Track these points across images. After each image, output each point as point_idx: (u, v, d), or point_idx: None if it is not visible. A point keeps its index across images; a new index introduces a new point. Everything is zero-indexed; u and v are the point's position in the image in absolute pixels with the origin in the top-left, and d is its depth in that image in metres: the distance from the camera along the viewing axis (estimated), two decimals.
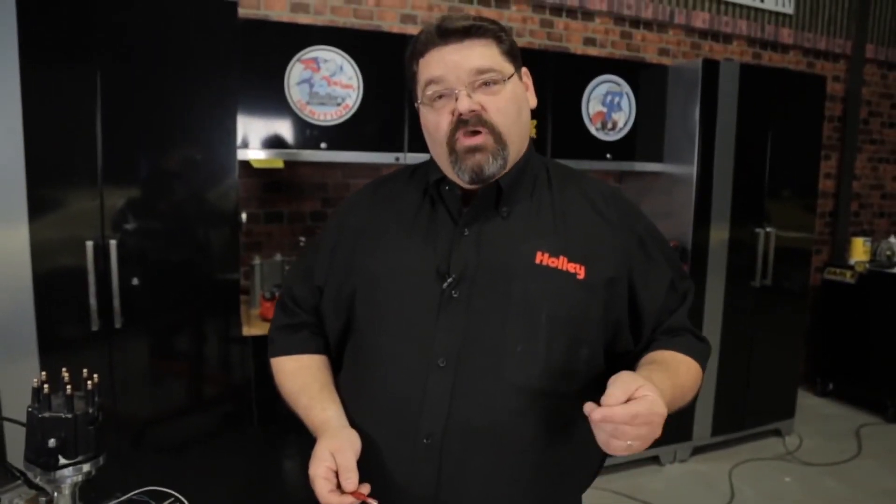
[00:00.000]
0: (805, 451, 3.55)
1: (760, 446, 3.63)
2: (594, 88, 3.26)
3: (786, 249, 3.55)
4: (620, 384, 0.86)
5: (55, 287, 2.15)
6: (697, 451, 3.50)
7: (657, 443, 3.21)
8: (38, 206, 2.11)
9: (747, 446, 3.62)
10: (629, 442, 0.84)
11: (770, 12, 4.17)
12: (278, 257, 2.85)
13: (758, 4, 4.09)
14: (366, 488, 0.95)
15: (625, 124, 3.36)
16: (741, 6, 4.07)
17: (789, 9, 4.22)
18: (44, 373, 0.91)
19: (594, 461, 1.14)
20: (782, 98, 3.46)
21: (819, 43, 4.39)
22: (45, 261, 2.13)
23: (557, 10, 3.59)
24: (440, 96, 1.03)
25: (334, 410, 1.08)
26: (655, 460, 3.40)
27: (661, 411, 0.85)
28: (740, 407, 3.55)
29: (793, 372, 3.79)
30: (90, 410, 0.91)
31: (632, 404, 0.84)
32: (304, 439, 2.54)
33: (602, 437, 0.86)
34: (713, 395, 3.42)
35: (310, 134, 2.71)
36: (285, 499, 2.58)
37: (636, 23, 3.81)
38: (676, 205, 3.34)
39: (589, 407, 0.86)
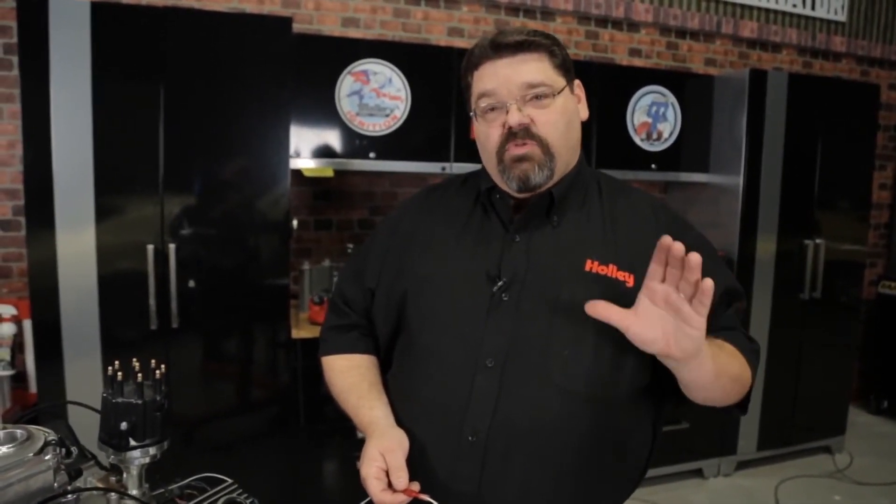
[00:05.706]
0: (856, 470, 3.44)
1: (808, 463, 3.54)
2: (639, 99, 3.26)
3: (837, 261, 3.47)
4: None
5: (118, 288, 2.28)
6: (742, 465, 3.44)
7: (701, 455, 3.13)
8: (104, 211, 2.24)
9: (795, 462, 3.53)
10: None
11: (821, 20, 4.09)
12: (327, 263, 2.95)
13: (808, 12, 4.02)
14: (416, 486, 0.98)
15: (670, 135, 3.35)
16: (791, 14, 4.00)
17: (842, 16, 4.13)
18: (117, 362, 0.98)
19: (636, 470, 1.14)
20: (833, 107, 3.40)
21: (874, 50, 4.28)
22: (109, 263, 2.26)
23: (603, 22, 3.61)
24: (492, 109, 1.06)
25: (382, 409, 1.11)
26: (699, 473, 3.35)
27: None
28: (787, 422, 3.47)
29: (844, 387, 3.69)
30: (157, 398, 0.98)
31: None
32: (348, 441, 2.61)
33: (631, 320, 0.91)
34: (759, 409, 3.35)
35: (359, 144, 2.80)
36: (330, 496, 2.65)
37: (682, 33, 3.79)
38: (722, 215, 3.31)
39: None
